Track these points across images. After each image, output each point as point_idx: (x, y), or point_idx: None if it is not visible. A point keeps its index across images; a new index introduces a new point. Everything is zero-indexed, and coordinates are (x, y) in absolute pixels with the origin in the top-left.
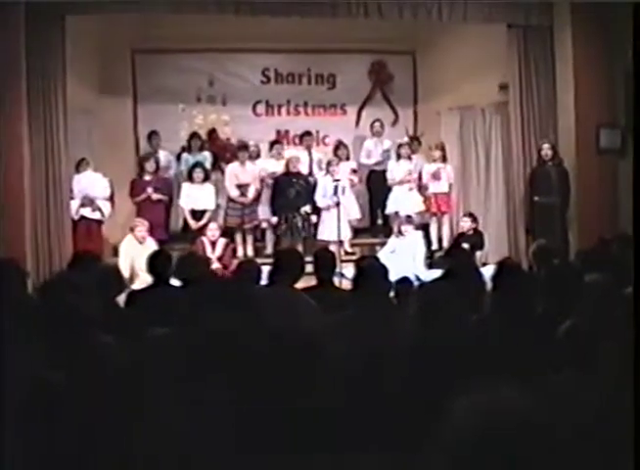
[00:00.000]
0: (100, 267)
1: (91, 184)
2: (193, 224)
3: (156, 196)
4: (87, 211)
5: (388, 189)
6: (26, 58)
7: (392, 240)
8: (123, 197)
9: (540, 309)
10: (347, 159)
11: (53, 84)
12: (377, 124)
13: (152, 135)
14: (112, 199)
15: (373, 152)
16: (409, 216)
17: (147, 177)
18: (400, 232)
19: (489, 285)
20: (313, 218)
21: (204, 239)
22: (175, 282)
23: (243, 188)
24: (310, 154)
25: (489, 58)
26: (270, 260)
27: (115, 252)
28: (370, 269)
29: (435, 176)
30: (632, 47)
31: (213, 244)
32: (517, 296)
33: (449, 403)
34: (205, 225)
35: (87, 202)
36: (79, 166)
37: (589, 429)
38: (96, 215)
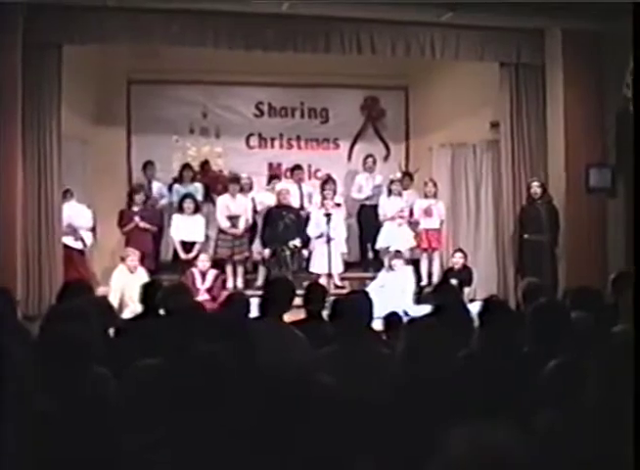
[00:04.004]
0: (91, 298)
1: (75, 214)
2: (183, 255)
3: (143, 224)
4: (70, 240)
5: (379, 224)
6: (22, 86)
7: (383, 274)
8: (115, 227)
9: (527, 348)
10: (335, 193)
11: (48, 113)
12: (369, 160)
13: (147, 165)
14: (94, 230)
15: (364, 187)
16: (398, 251)
17: (135, 208)
18: (391, 267)
19: (476, 321)
20: (304, 253)
21: (194, 270)
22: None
23: (233, 220)
24: (300, 187)
25: (481, 95)
26: (260, 293)
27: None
28: (349, 304)
29: (427, 212)
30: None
31: (203, 275)
32: (503, 333)
33: (436, 441)
34: (196, 257)
35: (70, 231)
36: (64, 197)
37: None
38: (78, 245)
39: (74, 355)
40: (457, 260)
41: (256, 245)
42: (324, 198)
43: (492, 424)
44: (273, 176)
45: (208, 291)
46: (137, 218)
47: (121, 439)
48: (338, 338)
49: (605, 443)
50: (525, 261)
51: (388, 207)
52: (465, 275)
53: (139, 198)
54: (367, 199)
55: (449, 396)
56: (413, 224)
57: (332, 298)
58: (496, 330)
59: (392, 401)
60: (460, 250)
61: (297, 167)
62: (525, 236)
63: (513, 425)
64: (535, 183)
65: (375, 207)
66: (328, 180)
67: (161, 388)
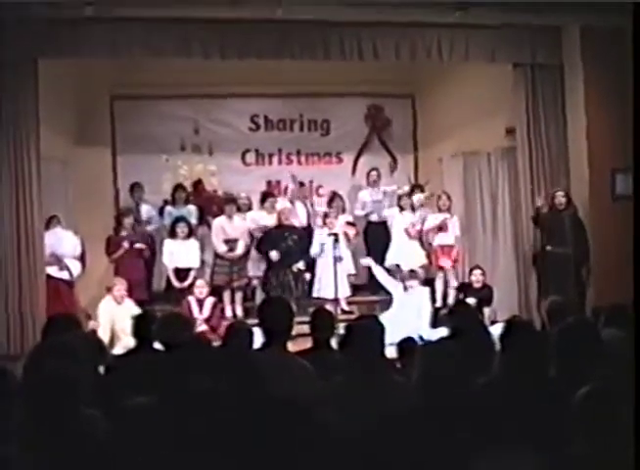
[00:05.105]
0: (79, 333)
1: (59, 242)
2: (177, 284)
3: (136, 246)
4: (54, 270)
5: (387, 242)
6: None
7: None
8: (102, 254)
9: (554, 372)
10: (343, 211)
11: (25, 132)
12: (373, 174)
13: (134, 187)
14: (82, 258)
15: (368, 203)
16: (413, 271)
17: (124, 233)
18: (405, 287)
19: (498, 345)
20: (307, 276)
21: (190, 298)
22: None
23: (231, 243)
24: (306, 206)
25: (494, 100)
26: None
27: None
28: (363, 330)
29: (441, 227)
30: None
31: (201, 303)
32: (528, 357)
33: None
34: (191, 285)
35: (54, 260)
36: (49, 224)
37: None
38: (64, 275)
39: (61, 396)
40: (477, 278)
41: (250, 267)
42: (326, 216)
43: (516, 456)
44: (267, 194)
45: (207, 321)
46: (126, 244)
47: None
48: (348, 368)
49: None
50: (549, 277)
51: (397, 221)
52: (485, 294)
53: (128, 222)
54: (367, 215)
55: (468, 426)
56: (425, 240)
57: (341, 324)
58: (520, 354)
59: (407, 433)
60: (478, 267)
61: (300, 184)
62: (548, 248)
63: (538, 458)
64: (560, 193)
65: (383, 223)
66: (334, 197)
67: (156, 428)
